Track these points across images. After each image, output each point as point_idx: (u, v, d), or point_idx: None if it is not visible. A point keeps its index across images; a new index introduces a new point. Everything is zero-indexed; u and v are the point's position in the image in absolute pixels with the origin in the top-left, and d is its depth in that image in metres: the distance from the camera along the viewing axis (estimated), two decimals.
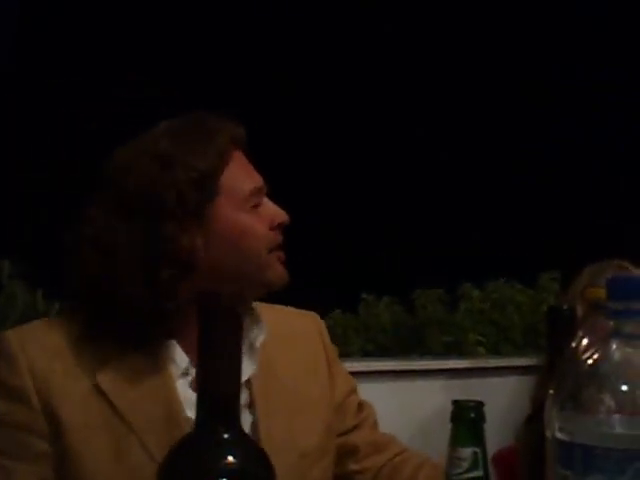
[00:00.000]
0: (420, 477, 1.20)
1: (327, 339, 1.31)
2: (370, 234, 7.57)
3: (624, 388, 0.91)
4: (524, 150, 8.07)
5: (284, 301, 1.32)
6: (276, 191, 1.21)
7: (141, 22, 7.74)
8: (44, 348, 1.07)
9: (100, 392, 1.05)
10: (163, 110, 1.26)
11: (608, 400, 0.90)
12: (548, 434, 0.93)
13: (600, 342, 0.94)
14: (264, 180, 1.15)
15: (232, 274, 1.10)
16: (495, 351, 3.60)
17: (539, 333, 3.50)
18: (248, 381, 1.14)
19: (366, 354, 3.60)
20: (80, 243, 1.12)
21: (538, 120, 8.11)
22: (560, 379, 0.95)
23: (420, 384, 2.90)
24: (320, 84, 7.95)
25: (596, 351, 0.94)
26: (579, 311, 1.33)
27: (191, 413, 1.04)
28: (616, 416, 0.90)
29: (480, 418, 0.98)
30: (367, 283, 4.13)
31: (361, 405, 1.33)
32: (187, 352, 1.10)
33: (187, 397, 1.08)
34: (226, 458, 0.81)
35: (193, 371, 1.08)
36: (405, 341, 3.65)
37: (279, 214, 1.15)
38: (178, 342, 1.10)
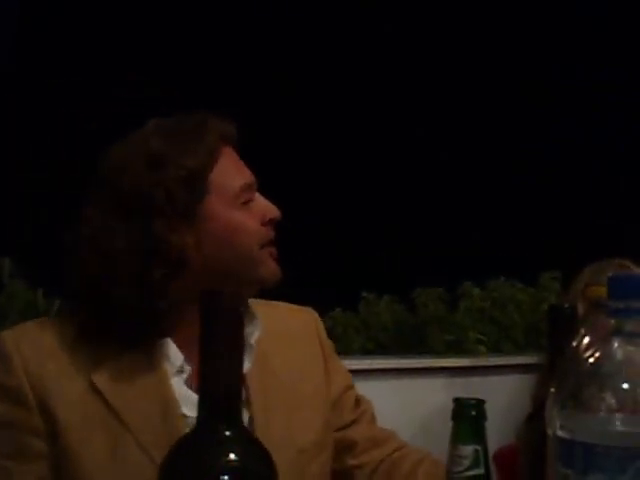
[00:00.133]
0: (419, 473, 1.20)
1: (323, 334, 1.30)
2: (370, 233, 7.57)
3: (625, 386, 0.91)
4: (524, 150, 8.07)
5: (284, 299, 1.32)
6: (277, 189, 1.21)
7: (141, 22, 7.74)
8: (39, 348, 1.07)
9: (96, 391, 1.06)
10: (163, 110, 1.26)
11: (609, 398, 0.90)
12: (549, 432, 0.93)
13: (601, 341, 0.94)
14: (256, 176, 1.15)
15: (224, 271, 1.10)
16: (496, 350, 3.60)
17: (540, 332, 3.50)
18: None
19: (367, 353, 3.60)
20: (77, 243, 1.13)
21: (538, 120, 8.11)
22: (561, 378, 0.95)
23: (421, 382, 2.90)
24: (319, 83, 7.95)
25: (597, 350, 0.94)
26: (580, 310, 1.33)
27: (187, 410, 1.04)
28: (617, 414, 0.90)
29: (481, 416, 0.98)
30: (367, 282, 4.13)
31: (359, 400, 1.33)
32: (182, 349, 1.10)
33: (183, 394, 1.08)
34: (228, 456, 0.81)
35: (188, 368, 1.08)
36: (406, 339, 3.64)
37: (270, 209, 1.15)
38: (173, 340, 1.10)
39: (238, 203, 1.11)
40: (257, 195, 1.15)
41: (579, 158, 7.78)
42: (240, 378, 0.81)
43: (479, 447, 0.97)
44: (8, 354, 1.07)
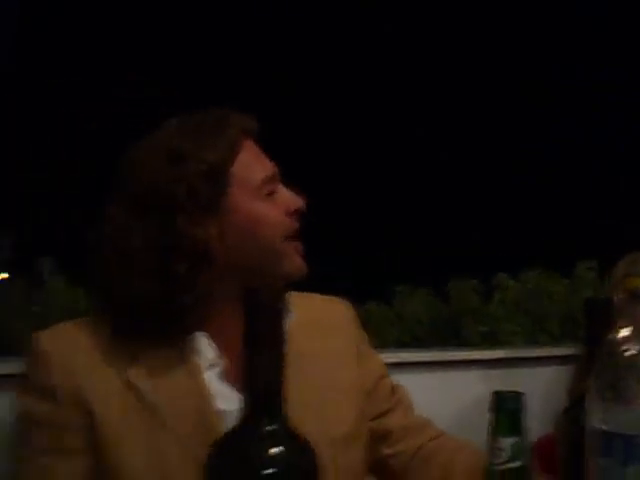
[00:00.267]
0: (457, 462, 1.19)
1: (357, 324, 1.30)
2: (404, 226, 7.58)
3: None
4: (562, 140, 8.06)
5: (318, 292, 1.31)
6: (311, 182, 1.20)
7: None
8: (75, 347, 1.09)
9: (131, 387, 1.07)
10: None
11: None
12: (588, 424, 0.93)
13: (639, 332, 0.94)
14: (284, 169, 1.15)
15: (249, 264, 1.10)
16: (531, 341, 3.56)
17: (576, 323, 3.46)
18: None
19: (401, 346, 3.56)
20: (100, 242, 1.14)
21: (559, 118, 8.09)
22: (599, 370, 0.94)
23: (456, 375, 2.87)
24: (342, 79, 7.94)
25: (635, 342, 0.94)
26: (617, 301, 1.31)
27: (221, 404, 1.04)
28: None
29: (520, 408, 0.98)
30: (401, 274, 4.13)
31: (394, 388, 1.32)
32: (214, 343, 1.10)
33: (216, 388, 1.08)
34: (270, 451, 0.82)
35: (221, 362, 1.08)
36: (440, 332, 3.61)
37: (294, 200, 1.14)
38: (204, 334, 1.10)
39: (261, 195, 1.11)
40: (280, 187, 1.15)
41: (625, 148, 7.76)
42: (282, 373, 0.82)
43: (518, 439, 0.97)
44: (45, 353, 1.08)
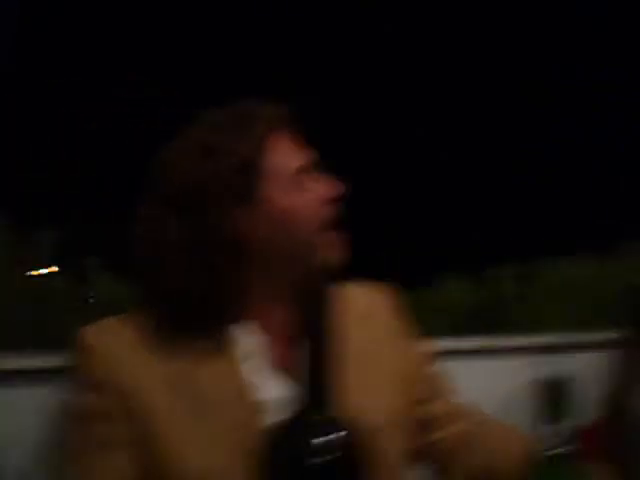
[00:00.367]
0: (503, 447, 1.17)
1: (399, 311, 1.29)
2: (446, 213, 7.56)
3: None
4: (596, 131, 7.98)
5: (362, 279, 1.31)
6: (358, 172, 1.21)
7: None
8: (119, 341, 1.10)
9: (175, 379, 1.08)
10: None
11: None
12: (635, 408, 0.92)
13: None
14: (319, 157, 1.14)
15: (286, 255, 1.10)
16: (575, 327, 3.52)
17: (621, 309, 3.41)
18: (304, 362, 1.14)
19: (444, 333, 3.54)
20: (139, 239, 1.15)
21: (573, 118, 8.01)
22: None
23: (501, 362, 2.84)
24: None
25: None
26: None
27: (263, 394, 1.05)
28: None
29: (567, 394, 0.97)
30: (445, 262, 4.10)
31: (437, 375, 1.31)
32: (255, 334, 1.11)
33: (258, 379, 1.08)
34: (319, 439, 0.83)
35: (262, 352, 1.08)
36: (483, 319, 3.59)
37: (330, 188, 1.13)
38: (245, 325, 1.11)
39: (295, 185, 1.10)
40: (317, 175, 1.14)
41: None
42: (329, 363, 0.83)
43: (565, 425, 0.96)
44: (91, 347, 1.09)
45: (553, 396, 0.92)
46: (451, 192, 7.88)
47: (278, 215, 1.07)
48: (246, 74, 7.99)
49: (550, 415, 0.91)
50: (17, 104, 7.01)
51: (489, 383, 2.58)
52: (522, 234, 6.80)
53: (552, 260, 3.77)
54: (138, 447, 0.99)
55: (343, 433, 0.86)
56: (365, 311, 1.21)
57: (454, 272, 3.86)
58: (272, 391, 1.00)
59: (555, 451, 0.94)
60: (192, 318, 1.06)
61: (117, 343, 1.04)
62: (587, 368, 2.71)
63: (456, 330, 3.51)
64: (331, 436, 0.84)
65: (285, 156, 1.10)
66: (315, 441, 0.83)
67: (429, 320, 3.47)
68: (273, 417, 0.94)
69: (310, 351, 0.86)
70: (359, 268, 1.20)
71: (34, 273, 4.20)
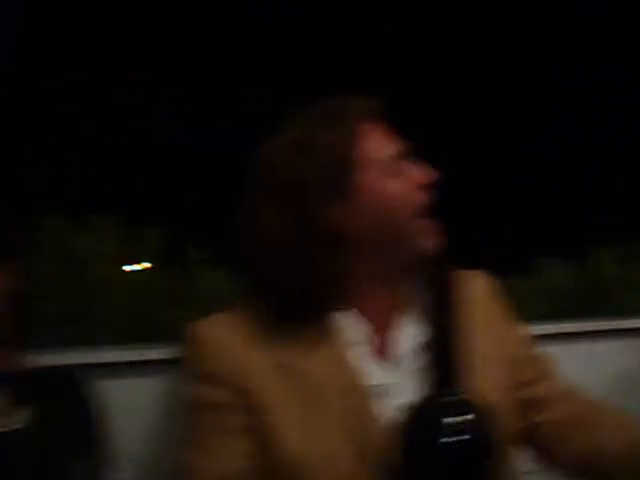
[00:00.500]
0: (607, 428, 1.18)
1: (498, 296, 1.31)
2: (541, 197, 7.54)
3: None
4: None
5: (459, 266, 1.32)
6: (453, 160, 1.21)
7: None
8: (230, 334, 1.14)
9: (285, 369, 1.11)
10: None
11: None
12: None
13: None
14: (412, 146, 1.16)
15: (384, 243, 1.13)
16: None
17: None
18: (425, 345, 1.16)
19: (543, 317, 3.52)
20: (242, 234, 1.19)
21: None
22: None
23: (604, 345, 2.81)
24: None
25: None
26: None
27: (371, 380, 1.07)
28: None
29: None
30: (542, 247, 4.09)
31: (539, 357, 1.33)
32: (360, 321, 1.13)
33: (365, 365, 1.11)
34: (451, 419, 0.87)
35: (368, 338, 1.11)
36: (583, 302, 3.56)
37: (424, 174, 1.15)
38: (350, 312, 1.13)
39: (389, 173, 1.14)
40: (409, 163, 1.17)
41: None
42: (456, 345, 0.86)
43: None
44: (203, 340, 1.13)
45: None
46: (551, 177, 7.83)
47: (375, 203, 1.10)
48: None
49: None
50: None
51: (592, 367, 2.55)
52: (623, 216, 6.75)
53: None
54: (252, 435, 1.04)
55: (473, 414, 0.89)
56: (470, 297, 1.23)
57: (555, 256, 3.83)
58: (378, 377, 1.03)
59: None
60: (296, 309, 1.09)
61: (228, 336, 1.10)
62: None
63: (558, 314, 3.48)
64: (462, 417, 0.87)
65: (378, 145, 1.13)
66: (448, 421, 0.86)
67: (530, 305, 3.44)
68: (382, 402, 0.98)
69: (434, 335, 0.91)
70: (460, 254, 1.21)
71: (139, 267, 4.38)
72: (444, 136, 7.43)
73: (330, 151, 1.11)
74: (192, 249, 3.48)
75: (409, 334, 1.06)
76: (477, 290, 1.30)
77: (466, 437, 0.87)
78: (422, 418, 0.87)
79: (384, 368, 1.11)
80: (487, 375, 1.20)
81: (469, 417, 0.88)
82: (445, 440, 0.87)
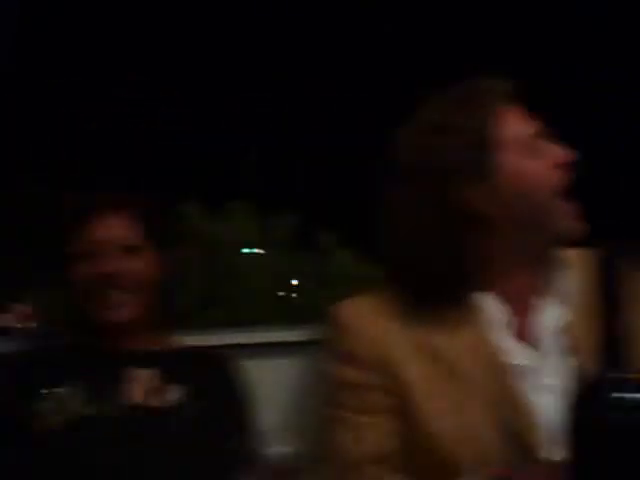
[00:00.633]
0: None
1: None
2: None
3: None
4: None
5: (595, 247, 1.32)
6: (583, 141, 1.21)
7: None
8: (373, 316, 1.15)
9: (427, 350, 1.11)
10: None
11: None
12: None
13: None
14: (545, 126, 1.16)
15: (525, 223, 1.12)
16: None
17: None
18: (565, 326, 1.16)
19: None
20: (383, 218, 1.20)
21: None
22: None
23: None
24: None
25: None
26: None
27: (514, 361, 1.07)
28: None
29: None
30: None
31: None
32: (502, 303, 1.13)
33: (508, 346, 1.11)
34: (622, 395, 0.86)
35: (510, 320, 1.11)
36: None
37: (562, 154, 1.15)
38: (492, 294, 1.13)
39: (528, 152, 1.13)
40: (546, 142, 1.16)
41: None
42: (621, 327, 0.86)
43: None
44: (346, 321, 1.14)
45: None
46: None
47: (515, 184, 1.10)
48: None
49: None
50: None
51: None
52: None
53: None
54: (395, 415, 1.03)
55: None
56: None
57: None
58: (520, 358, 1.03)
59: None
60: (438, 290, 1.09)
61: (369, 317, 1.09)
62: None
63: None
64: (632, 394, 0.87)
65: (516, 125, 1.13)
66: (617, 397, 0.86)
67: None
68: (525, 383, 0.98)
69: (603, 315, 0.91)
70: (595, 236, 1.21)
71: (272, 252, 4.56)
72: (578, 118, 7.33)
73: (470, 133, 1.09)
74: (323, 233, 3.57)
75: (549, 316, 1.06)
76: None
77: (636, 415, 0.87)
78: (591, 396, 0.87)
79: (525, 350, 1.10)
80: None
81: (636, 395, 0.88)
82: (616, 418, 0.87)
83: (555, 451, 0.92)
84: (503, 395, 0.97)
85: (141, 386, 1.31)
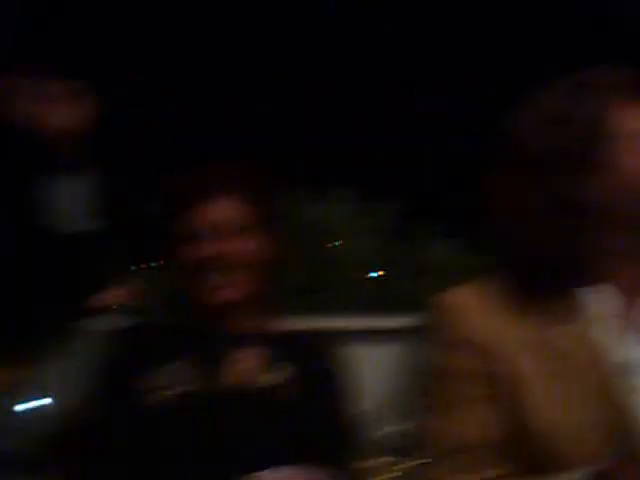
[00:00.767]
0: None
1: None
2: None
3: None
4: None
5: None
6: None
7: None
8: (479, 304, 1.16)
9: (531, 339, 1.12)
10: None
11: None
12: None
13: None
14: None
15: (636, 218, 1.12)
16: None
17: None
18: None
19: None
20: (491, 208, 1.20)
21: None
22: None
23: None
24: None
25: None
26: None
27: (621, 355, 1.08)
28: None
29: None
30: None
31: None
32: (611, 295, 1.13)
33: (615, 340, 1.11)
34: None
35: (620, 313, 1.11)
36: None
37: None
38: (602, 286, 1.13)
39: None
40: None
41: None
42: None
43: None
44: (454, 311, 1.12)
45: None
46: None
47: (627, 178, 1.10)
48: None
49: None
50: None
51: None
52: None
53: None
54: (497, 404, 1.05)
55: None
56: None
57: None
58: (629, 352, 1.03)
59: None
60: (546, 282, 1.10)
61: (477, 307, 1.12)
62: None
63: None
64: None
65: (631, 119, 1.12)
66: None
67: None
68: (633, 378, 0.99)
69: None
70: None
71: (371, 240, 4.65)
72: None
73: (588, 123, 1.09)
74: (423, 222, 3.67)
75: None
76: None
77: None
78: None
79: (635, 343, 1.10)
80: None
81: None
82: None
83: None
84: (608, 392, 0.97)
85: (247, 366, 1.35)
